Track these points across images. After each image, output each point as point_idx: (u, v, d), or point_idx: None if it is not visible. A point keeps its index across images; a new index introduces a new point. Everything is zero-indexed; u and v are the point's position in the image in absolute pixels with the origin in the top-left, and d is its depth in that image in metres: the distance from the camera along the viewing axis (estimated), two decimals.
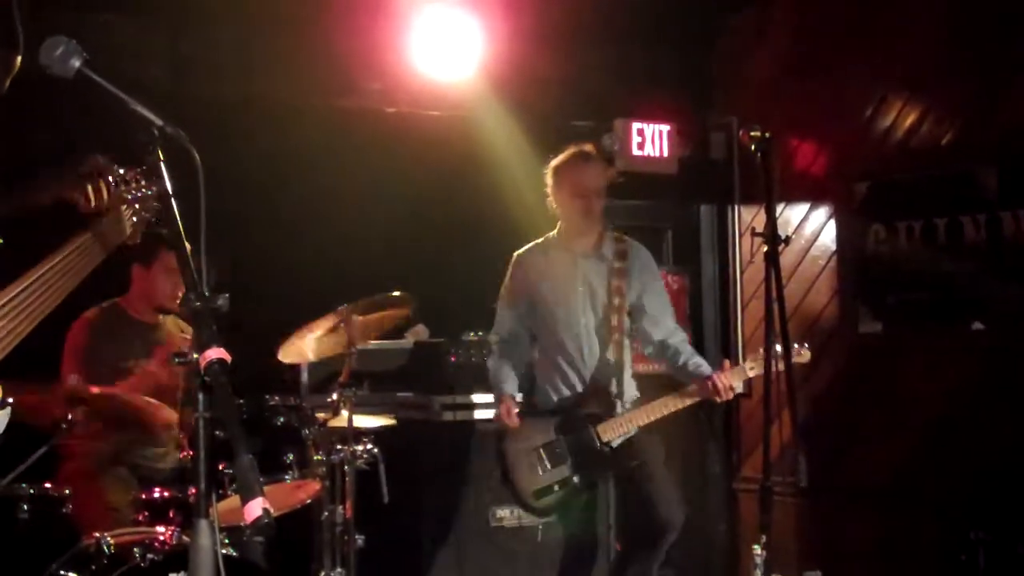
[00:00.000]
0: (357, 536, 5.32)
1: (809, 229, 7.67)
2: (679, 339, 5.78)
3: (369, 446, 5.39)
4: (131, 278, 5.63)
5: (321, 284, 6.23)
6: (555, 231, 5.84)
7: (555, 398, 5.70)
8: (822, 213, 7.62)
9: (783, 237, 4.87)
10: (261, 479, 2.34)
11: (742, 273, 8.07)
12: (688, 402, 5.59)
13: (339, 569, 5.28)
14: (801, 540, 7.27)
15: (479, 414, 6.23)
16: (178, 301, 5.55)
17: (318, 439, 5.23)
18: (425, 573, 6.07)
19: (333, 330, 5.39)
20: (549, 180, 5.79)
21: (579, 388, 5.68)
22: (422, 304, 6.08)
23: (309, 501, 5.14)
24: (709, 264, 8.23)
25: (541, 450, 5.56)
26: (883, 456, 7.07)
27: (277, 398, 5.13)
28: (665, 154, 7.72)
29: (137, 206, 3.27)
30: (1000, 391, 6.62)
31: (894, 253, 7.17)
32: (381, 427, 5.55)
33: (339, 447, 5.26)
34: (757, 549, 5.65)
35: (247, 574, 4.66)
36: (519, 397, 5.77)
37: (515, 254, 5.92)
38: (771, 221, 4.86)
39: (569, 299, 5.71)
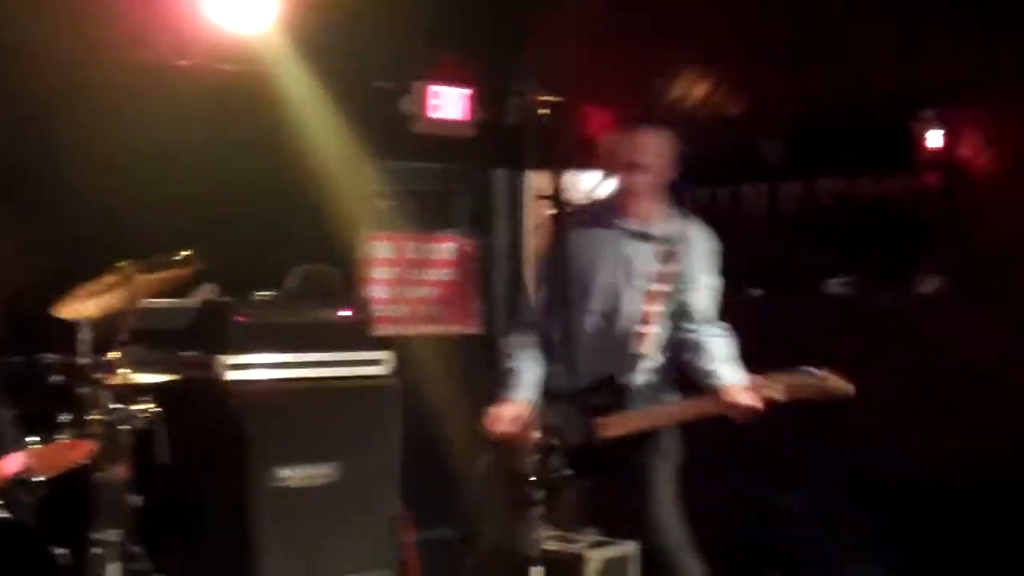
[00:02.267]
0: (135, 496, 5.24)
1: (601, 195, 7.78)
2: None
3: (149, 405, 5.31)
4: None
5: (108, 241, 6.04)
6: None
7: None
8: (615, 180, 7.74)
9: (569, 202, 4.94)
10: (24, 436, 2.29)
11: (531, 238, 8.19)
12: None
13: (115, 530, 5.19)
14: None
15: (264, 374, 6.18)
16: None
17: (95, 397, 5.12)
18: (205, 533, 5.98)
19: (113, 287, 5.28)
20: None
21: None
22: (214, 263, 5.98)
23: (85, 461, 5.05)
24: (502, 229, 8.37)
25: None
26: None
27: (52, 356, 5.00)
28: (462, 118, 7.76)
29: None
30: None
31: None
32: (161, 383, 5.45)
33: (116, 406, 5.17)
34: None
35: (14, 536, 4.56)
36: None
37: None
38: (557, 186, 4.93)
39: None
